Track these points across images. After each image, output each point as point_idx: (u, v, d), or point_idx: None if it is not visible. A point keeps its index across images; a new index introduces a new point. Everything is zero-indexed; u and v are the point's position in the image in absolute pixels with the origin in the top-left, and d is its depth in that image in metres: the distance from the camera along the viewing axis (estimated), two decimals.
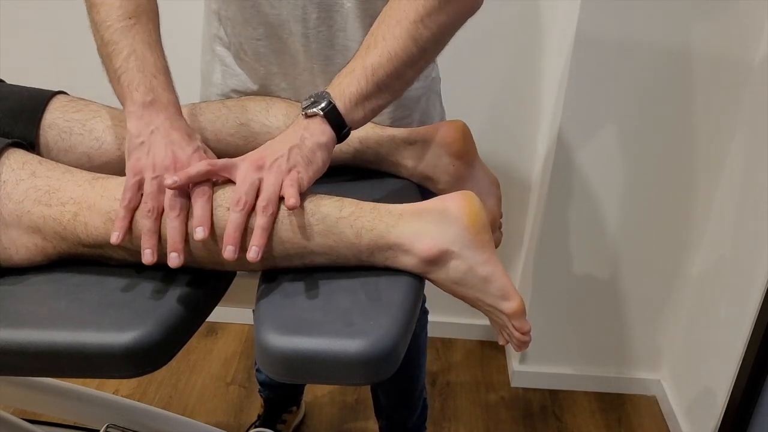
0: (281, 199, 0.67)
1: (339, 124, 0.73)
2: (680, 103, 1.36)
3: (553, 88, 1.47)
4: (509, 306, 0.70)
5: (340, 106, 0.73)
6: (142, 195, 0.67)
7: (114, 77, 0.74)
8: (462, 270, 0.69)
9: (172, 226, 0.65)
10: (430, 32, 0.76)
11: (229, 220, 0.65)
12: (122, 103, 0.73)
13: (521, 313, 0.71)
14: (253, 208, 0.66)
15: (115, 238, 0.65)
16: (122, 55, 0.73)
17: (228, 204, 0.66)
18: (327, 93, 0.73)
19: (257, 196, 0.67)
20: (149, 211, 0.66)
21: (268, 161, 0.68)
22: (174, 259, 0.65)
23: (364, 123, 0.77)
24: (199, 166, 0.67)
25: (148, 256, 0.65)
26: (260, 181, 0.67)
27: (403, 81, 0.78)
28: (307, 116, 0.73)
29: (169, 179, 0.65)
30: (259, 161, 0.68)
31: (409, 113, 0.97)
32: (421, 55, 0.77)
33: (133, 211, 0.66)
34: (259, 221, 0.65)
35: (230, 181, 0.68)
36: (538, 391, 1.74)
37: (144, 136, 0.70)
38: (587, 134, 1.41)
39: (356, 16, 0.87)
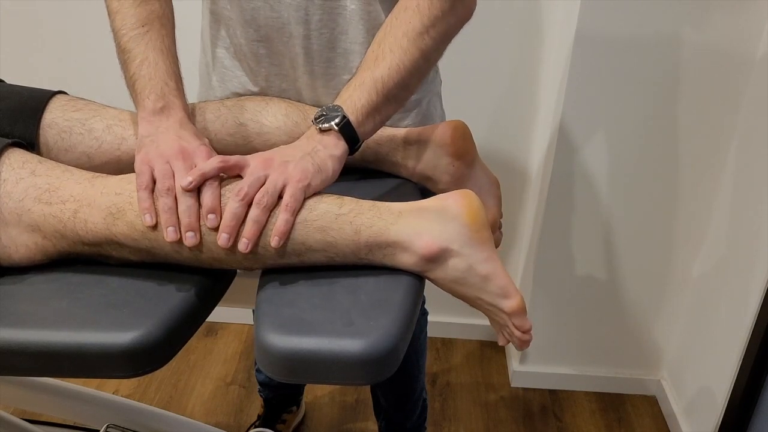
0: (280, 197, 0.67)
1: (352, 138, 0.74)
2: (680, 103, 1.36)
3: (554, 86, 1.47)
4: (510, 304, 0.70)
5: (353, 120, 0.74)
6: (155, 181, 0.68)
7: (129, 83, 0.77)
8: (461, 268, 0.69)
9: (187, 205, 0.66)
10: (434, 42, 0.78)
11: (227, 208, 0.66)
12: (136, 109, 0.76)
13: (522, 311, 0.71)
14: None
15: (148, 220, 0.66)
16: (136, 62, 0.76)
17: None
18: (339, 107, 0.74)
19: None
20: (167, 189, 0.66)
21: (277, 161, 0.69)
22: (191, 238, 0.66)
23: (372, 134, 0.79)
24: (212, 162, 0.68)
25: (171, 234, 0.65)
26: (266, 177, 0.68)
27: (409, 90, 0.80)
28: (321, 131, 0.73)
29: (185, 180, 0.66)
30: (269, 161, 0.69)
31: (410, 115, 0.97)
32: (426, 64, 0.79)
33: (151, 191, 0.67)
34: (252, 213, 0.66)
35: (239, 177, 0.69)
36: (538, 391, 1.74)
37: (153, 135, 0.72)
38: (587, 134, 1.41)
39: (360, 18, 0.87)
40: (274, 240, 0.66)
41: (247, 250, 0.66)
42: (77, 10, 1.50)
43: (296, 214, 0.67)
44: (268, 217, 0.67)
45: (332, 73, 0.91)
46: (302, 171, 0.69)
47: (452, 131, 0.87)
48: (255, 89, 0.95)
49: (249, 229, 0.66)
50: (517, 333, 0.72)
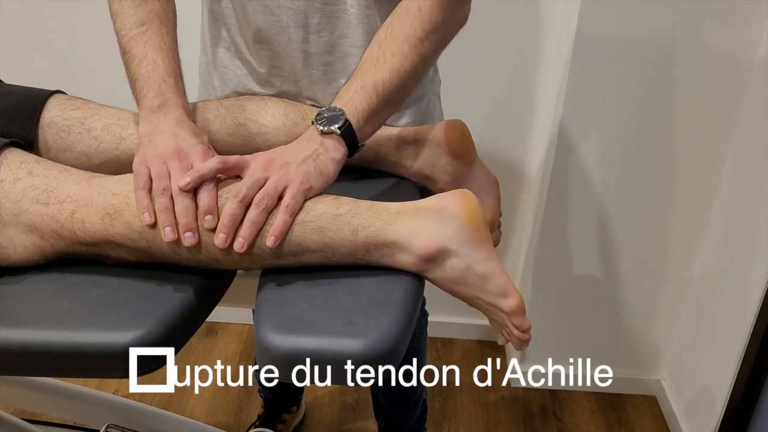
0: (280, 199, 0.67)
1: (353, 142, 0.74)
2: (680, 106, 1.36)
3: (553, 87, 1.47)
4: (508, 303, 0.70)
5: (354, 123, 0.74)
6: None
7: (131, 83, 0.78)
8: (460, 268, 0.69)
9: (184, 205, 0.66)
10: (433, 47, 0.79)
11: (225, 209, 0.66)
12: (138, 108, 0.77)
13: (521, 310, 0.71)
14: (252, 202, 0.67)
15: (147, 218, 0.65)
16: (135, 61, 0.77)
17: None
18: (341, 110, 0.74)
19: None
20: (163, 189, 0.66)
21: (279, 163, 0.69)
22: (189, 239, 0.65)
23: (370, 136, 0.79)
24: (211, 163, 0.67)
25: (169, 234, 0.65)
26: (266, 179, 0.68)
27: (406, 94, 0.80)
28: (323, 133, 0.73)
29: (182, 181, 0.66)
30: (270, 162, 0.69)
31: (407, 112, 0.97)
32: (423, 68, 0.80)
33: (149, 191, 0.67)
34: (250, 214, 0.66)
35: (239, 178, 0.69)
36: (538, 391, 1.74)
37: (150, 135, 0.72)
38: (586, 135, 1.41)
39: (359, 22, 0.87)
40: (270, 240, 0.66)
41: (243, 250, 0.66)
42: (77, 10, 1.50)
43: (295, 216, 0.67)
44: (266, 218, 0.66)
45: (331, 77, 0.91)
46: (304, 173, 0.69)
47: (451, 130, 0.87)
48: (255, 88, 0.95)
49: (246, 230, 0.66)
50: (516, 332, 0.72)
